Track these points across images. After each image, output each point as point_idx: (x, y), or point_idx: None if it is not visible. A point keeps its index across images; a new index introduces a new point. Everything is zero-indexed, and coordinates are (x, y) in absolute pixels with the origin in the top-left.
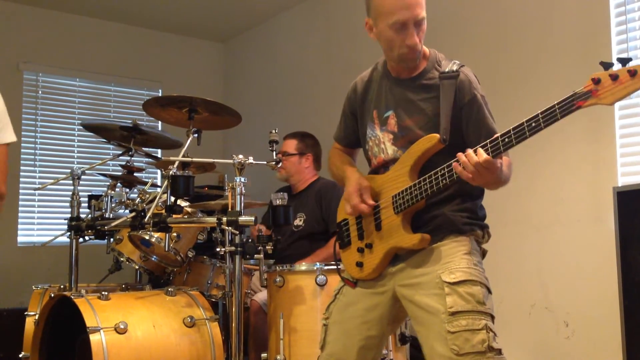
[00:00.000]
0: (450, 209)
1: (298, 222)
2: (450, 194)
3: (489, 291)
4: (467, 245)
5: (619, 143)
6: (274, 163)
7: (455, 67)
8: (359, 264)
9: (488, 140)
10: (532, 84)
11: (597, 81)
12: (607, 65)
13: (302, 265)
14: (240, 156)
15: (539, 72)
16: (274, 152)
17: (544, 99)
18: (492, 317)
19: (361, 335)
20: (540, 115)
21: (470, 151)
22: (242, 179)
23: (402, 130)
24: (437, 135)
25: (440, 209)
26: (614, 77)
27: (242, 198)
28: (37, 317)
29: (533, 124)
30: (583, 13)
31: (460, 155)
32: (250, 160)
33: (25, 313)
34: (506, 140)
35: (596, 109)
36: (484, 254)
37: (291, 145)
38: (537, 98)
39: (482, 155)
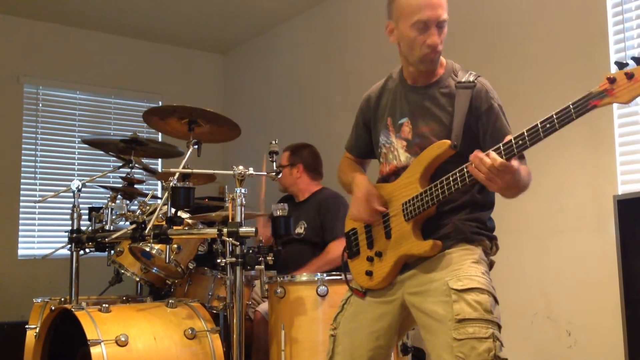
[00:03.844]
0: (459, 218)
1: (299, 229)
2: (460, 204)
3: (496, 301)
4: (476, 253)
5: (618, 151)
6: (274, 174)
7: (472, 78)
8: (369, 273)
9: (501, 143)
10: (528, 89)
11: (612, 80)
12: (621, 65)
13: (303, 276)
14: (241, 167)
15: (534, 78)
16: (274, 163)
17: (541, 104)
18: (499, 327)
19: (370, 345)
20: (554, 116)
21: (482, 153)
22: (243, 190)
23: (416, 137)
24: (448, 141)
25: (449, 217)
26: (630, 76)
27: (243, 209)
28: (37, 330)
29: (547, 125)
30: (580, 19)
31: (472, 156)
32: (251, 171)
33: (26, 326)
34: (520, 142)
35: (595, 116)
36: (491, 265)
37: (284, 158)
38: (534, 102)
39: (496, 158)
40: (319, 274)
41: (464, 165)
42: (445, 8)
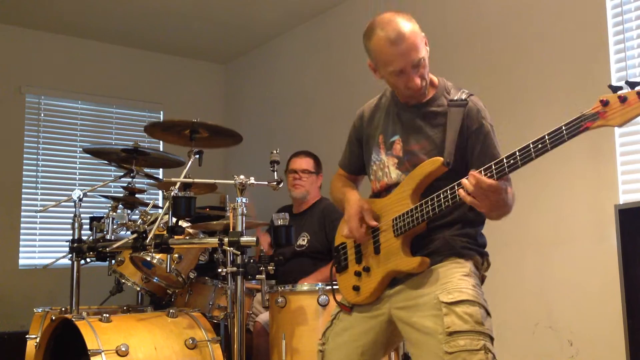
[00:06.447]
0: (450, 234)
1: (301, 242)
2: (451, 220)
3: (488, 313)
4: (466, 267)
5: (619, 161)
6: (275, 183)
7: (464, 96)
8: (356, 288)
9: (493, 162)
10: (527, 106)
11: (605, 103)
12: (615, 88)
13: (304, 286)
14: (242, 177)
15: (534, 89)
16: (275, 172)
17: (539, 121)
18: (491, 339)
19: (354, 359)
20: (546, 137)
21: (473, 173)
22: (244, 200)
23: (407, 154)
24: (441, 159)
25: (440, 233)
26: (623, 99)
27: (244, 218)
28: (38, 340)
29: (539, 146)
30: (581, 29)
31: (463, 180)
32: (252, 180)
33: (27, 336)
34: (511, 162)
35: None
36: (482, 279)
37: (309, 163)
38: (532, 120)
39: (485, 179)
40: (320, 283)
41: (455, 183)
42: (419, 47)
